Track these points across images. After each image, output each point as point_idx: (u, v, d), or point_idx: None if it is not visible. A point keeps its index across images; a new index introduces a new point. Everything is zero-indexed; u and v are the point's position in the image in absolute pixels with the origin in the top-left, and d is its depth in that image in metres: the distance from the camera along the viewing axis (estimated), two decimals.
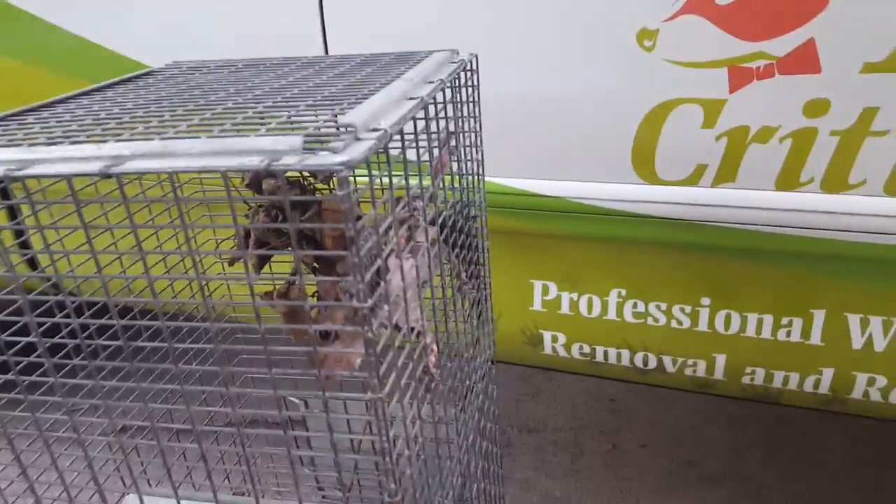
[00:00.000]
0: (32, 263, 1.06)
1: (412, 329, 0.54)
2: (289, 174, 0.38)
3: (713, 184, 0.95)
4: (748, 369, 1.07)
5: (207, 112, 0.48)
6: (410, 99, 0.49)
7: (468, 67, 0.65)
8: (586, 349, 1.15)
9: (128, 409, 0.64)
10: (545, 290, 1.12)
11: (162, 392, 0.73)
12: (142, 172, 0.38)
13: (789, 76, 0.86)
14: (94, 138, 0.43)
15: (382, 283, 0.45)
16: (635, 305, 1.08)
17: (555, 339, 1.16)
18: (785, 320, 1.00)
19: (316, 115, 0.45)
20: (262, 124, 0.44)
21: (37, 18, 1.14)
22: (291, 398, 1.01)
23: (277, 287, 0.77)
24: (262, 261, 0.80)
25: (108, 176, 0.38)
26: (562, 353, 1.17)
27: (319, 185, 0.75)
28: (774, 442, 1.75)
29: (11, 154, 0.40)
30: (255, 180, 0.74)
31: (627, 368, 1.15)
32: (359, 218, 0.76)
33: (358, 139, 0.40)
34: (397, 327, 0.55)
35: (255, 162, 0.37)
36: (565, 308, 1.12)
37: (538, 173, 1.02)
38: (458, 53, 0.70)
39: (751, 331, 1.03)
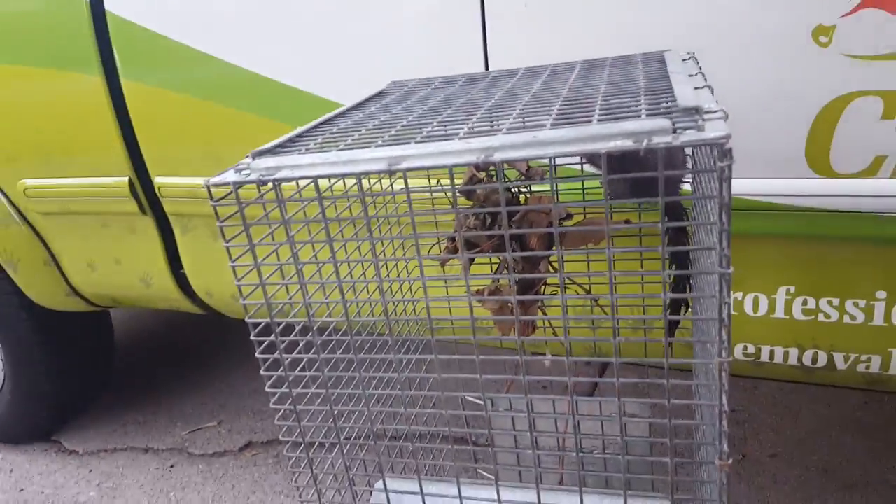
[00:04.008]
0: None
1: None
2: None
3: (892, 174, 0.94)
4: None
5: (511, 111, 0.52)
6: (697, 88, 0.52)
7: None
8: (751, 349, 1.14)
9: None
10: None
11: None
12: (517, 160, 0.42)
13: None
14: (440, 137, 0.47)
15: None
16: (805, 302, 1.07)
17: None
18: None
19: (630, 106, 0.48)
20: (586, 116, 0.47)
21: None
22: (470, 398, 1.04)
23: (487, 286, 0.82)
24: (472, 262, 0.84)
25: (488, 164, 0.42)
26: None
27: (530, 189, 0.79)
28: None
29: (388, 152, 0.45)
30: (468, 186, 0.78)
31: (794, 368, 1.14)
32: (569, 215, 0.80)
33: (703, 119, 0.43)
34: None
35: (629, 143, 0.40)
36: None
37: None
38: (674, 51, 0.72)
39: None
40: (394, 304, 0.68)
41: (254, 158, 0.50)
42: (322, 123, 0.61)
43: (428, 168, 0.43)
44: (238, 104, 1.25)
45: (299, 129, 0.57)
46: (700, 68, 0.62)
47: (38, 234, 1.59)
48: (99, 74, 1.31)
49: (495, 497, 0.52)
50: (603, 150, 0.40)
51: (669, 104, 0.46)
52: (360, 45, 1.15)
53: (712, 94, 0.50)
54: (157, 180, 1.39)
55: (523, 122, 0.49)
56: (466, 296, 0.53)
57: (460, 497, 0.54)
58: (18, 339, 1.83)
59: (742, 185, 1.01)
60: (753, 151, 1.00)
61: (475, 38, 1.07)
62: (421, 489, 0.56)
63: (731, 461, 0.45)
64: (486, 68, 1.09)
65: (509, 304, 0.82)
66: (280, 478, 1.82)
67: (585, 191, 0.95)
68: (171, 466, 1.93)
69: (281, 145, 0.53)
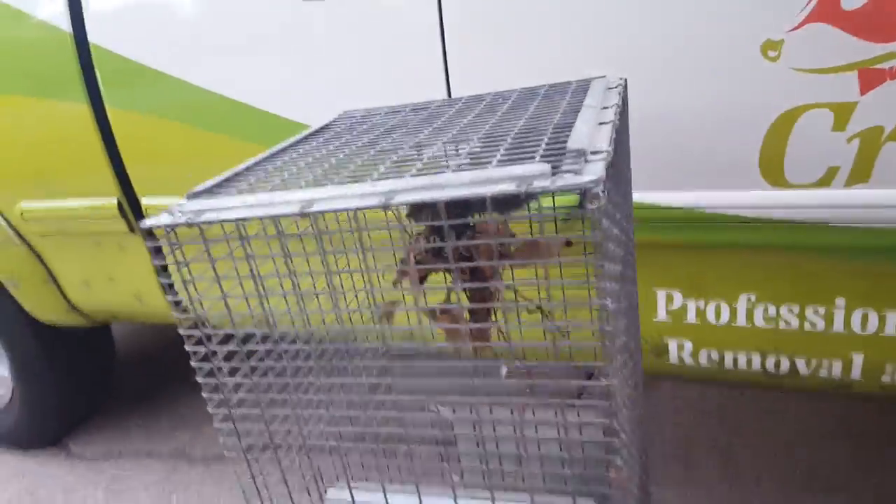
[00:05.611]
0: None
1: None
2: None
3: (846, 185, 0.97)
4: (889, 367, 1.06)
5: (427, 150, 0.56)
6: (602, 123, 0.56)
7: (623, 92, 0.72)
8: (715, 356, 1.17)
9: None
10: (669, 300, 1.15)
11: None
12: (413, 203, 0.45)
13: None
14: (356, 178, 0.51)
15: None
16: (766, 310, 1.09)
17: (681, 348, 1.19)
18: None
19: (533, 145, 0.52)
20: (489, 156, 0.51)
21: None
22: (437, 406, 1.07)
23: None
24: (423, 281, 0.88)
25: (387, 207, 0.46)
26: (688, 361, 1.19)
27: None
28: None
29: (300, 195, 0.49)
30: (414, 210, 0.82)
31: (758, 373, 1.16)
32: (512, 236, 0.83)
33: (587, 161, 0.46)
34: None
35: (512, 187, 0.44)
36: (691, 316, 1.15)
37: (663, 185, 1.06)
38: (606, 79, 0.76)
39: (890, 329, 1.03)
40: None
41: (188, 200, 0.54)
42: (264, 160, 0.65)
43: (335, 211, 0.47)
44: (216, 128, 1.30)
45: (241, 166, 0.62)
46: (620, 98, 0.65)
47: (36, 254, 1.65)
48: (85, 102, 1.37)
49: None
50: (488, 194, 0.44)
51: (561, 145, 0.49)
52: (329, 74, 1.19)
53: (613, 130, 0.53)
54: (144, 201, 1.44)
55: (432, 162, 0.53)
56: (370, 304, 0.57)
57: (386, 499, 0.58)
58: (25, 353, 1.91)
59: (699, 198, 1.03)
60: (709, 164, 1.02)
61: (436, 64, 1.11)
62: (352, 496, 0.60)
63: (624, 473, 0.48)
64: (448, 90, 1.13)
65: (462, 321, 0.86)
66: (275, 480, 1.87)
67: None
68: (173, 469, 1.99)
69: (218, 185, 0.58)
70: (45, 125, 1.44)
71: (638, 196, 1.05)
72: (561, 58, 1.04)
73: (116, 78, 1.34)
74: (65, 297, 1.71)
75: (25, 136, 1.48)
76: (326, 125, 0.78)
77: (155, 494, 1.89)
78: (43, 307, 1.74)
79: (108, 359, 2.16)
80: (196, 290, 0.56)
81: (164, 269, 0.58)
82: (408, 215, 0.82)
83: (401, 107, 0.80)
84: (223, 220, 0.49)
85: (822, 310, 1.06)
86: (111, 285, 1.60)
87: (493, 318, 0.87)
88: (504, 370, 0.95)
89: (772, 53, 0.94)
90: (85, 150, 1.41)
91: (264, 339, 0.59)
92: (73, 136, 1.42)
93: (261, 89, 1.25)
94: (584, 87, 0.72)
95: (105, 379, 2.19)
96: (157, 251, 0.53)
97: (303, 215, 0.47)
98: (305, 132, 0.75)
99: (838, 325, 1.06)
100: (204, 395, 0.59)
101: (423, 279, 0.86)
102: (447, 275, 0.92)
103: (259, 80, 1.25)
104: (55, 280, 1.68)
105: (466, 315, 0.85)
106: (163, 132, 1.33)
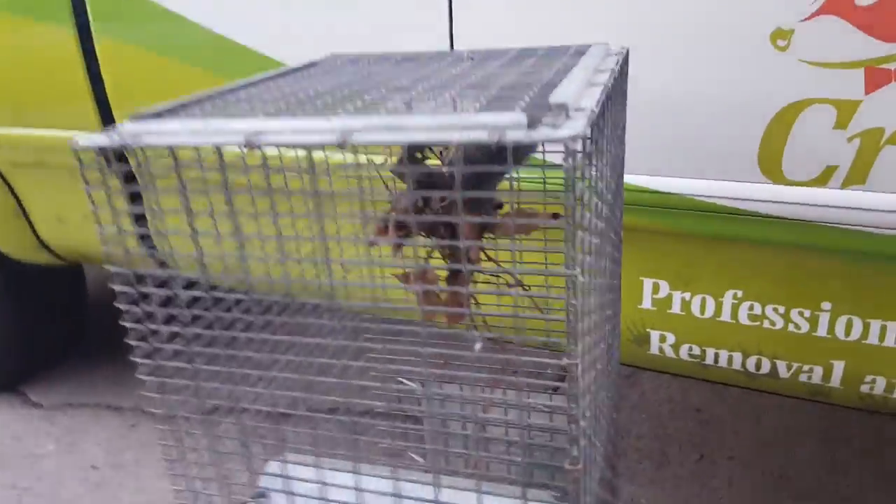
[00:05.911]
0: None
1: None
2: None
3: (842, 185, 0.93)
4: (868, 378, 1.04)
5: (401, 95, 0.51)
6: (593, 85, 0.51)
7: (623, 60, 0.67)
8: (696, 350, 1.14)
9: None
10: (656, 289, 1.12)
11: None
12: (373, 144, 0.41)
13: None
14: (313, 113, 0.46)
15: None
16: (752, 308, 1.06)
17: (662, 339, 1.15)
18: None
19: (517, 98, 0.47)
20: (472, 104, 0.46)
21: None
22: (403, 380, 1.04)
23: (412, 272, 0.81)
24: (400, 246, 0.83)
25: (343, 146, 0.41)
26: (669, 353, 1.16)
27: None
28: (873, 462, 1.68)
29: (247, 125, 0.44)
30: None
31: (738, 372, 1.13)
32: (500, 205, 0.79)
33: (568, 117, 0.42)
34: None
35: (483, 136, 0.40)
36: (676, 308, 1.11)
37: (657, 170, 1.02)
38: (608, 45, 0.71)
39: (873, 338, 1.00)
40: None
41: (131, 121, 0.50)
42: (229, 90, 0.60)
43: (286, 145, 0.43)
44: (208, 66, 1.25)
45: (201, 94, 0.57)
46: (617, 65, 0.61)
47: (7, 184, 1.59)
48: (71, 27, 1.31)
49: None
50: (454, 141, 0.40)
51: (546, 101, 0.45)
52: (329, 17, 1.14)
53: (603, 93, 0.49)
54: None
55: (408, 106, 0.48)
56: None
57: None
58: None
59: (691, 186, 1.00)
60: (708, 152, 0.98)
61: (441, 14, 1.06)
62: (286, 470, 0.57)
63: (580, 466, 0.45)
64: (452, 45, 1.08)
65: (435, 290, 0.82)
66: (237, 444, 1.84)
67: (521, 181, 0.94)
68: (133, 426, 1.94)
69: (169, 109, 0.53)
70: (25, 48, 1.38)
71: (633, 179, 1.02)
72: (565, 26, 0.99)
73: (107, 4, 1.28)
74: (35, 232, 1.65)
75: (2, 58, 1.42)
76: (308, 65, 0.73)
77: (107, 450, 1.82)
78: (9, 241, 1.69)
79: (77, 304, 2.10)
80: (126, 224, 0.51)
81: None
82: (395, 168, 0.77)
83: (390, 54, 0.76)
84: (164, 145, 0.45)
85: (807, 312, 1.03)
86: (85, 224, 1.55)
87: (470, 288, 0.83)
88: (479, 345, 0.90)
89: (781, 43, 0.90)
90: (67, 78, 1.35)
91: (204, 288, 0.55)
92: (55, 62, 1.35)
93: (258, 30, 1.21)
94: (582, 51, 0.68)
95: (73, 325, 2.12)
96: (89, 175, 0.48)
97: (249, 147, 0.43)
98: (284, 68, 0.70)
99: (822, 329, 1.03)
100: (130, 341, 0.55)
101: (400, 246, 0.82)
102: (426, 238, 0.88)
103: (257, 20, 1.20)
104: (25, 214, 1.63)
105: (442, 283, 0.81)
106: (152, 66, 1.28)
